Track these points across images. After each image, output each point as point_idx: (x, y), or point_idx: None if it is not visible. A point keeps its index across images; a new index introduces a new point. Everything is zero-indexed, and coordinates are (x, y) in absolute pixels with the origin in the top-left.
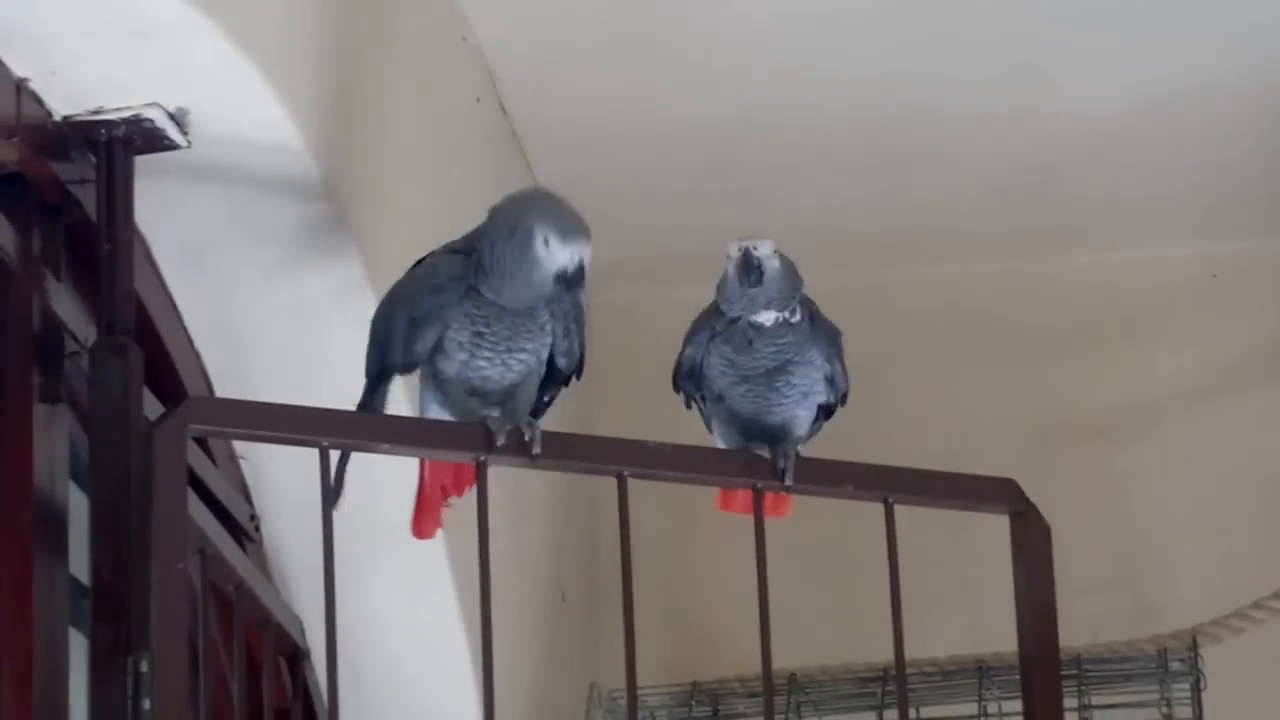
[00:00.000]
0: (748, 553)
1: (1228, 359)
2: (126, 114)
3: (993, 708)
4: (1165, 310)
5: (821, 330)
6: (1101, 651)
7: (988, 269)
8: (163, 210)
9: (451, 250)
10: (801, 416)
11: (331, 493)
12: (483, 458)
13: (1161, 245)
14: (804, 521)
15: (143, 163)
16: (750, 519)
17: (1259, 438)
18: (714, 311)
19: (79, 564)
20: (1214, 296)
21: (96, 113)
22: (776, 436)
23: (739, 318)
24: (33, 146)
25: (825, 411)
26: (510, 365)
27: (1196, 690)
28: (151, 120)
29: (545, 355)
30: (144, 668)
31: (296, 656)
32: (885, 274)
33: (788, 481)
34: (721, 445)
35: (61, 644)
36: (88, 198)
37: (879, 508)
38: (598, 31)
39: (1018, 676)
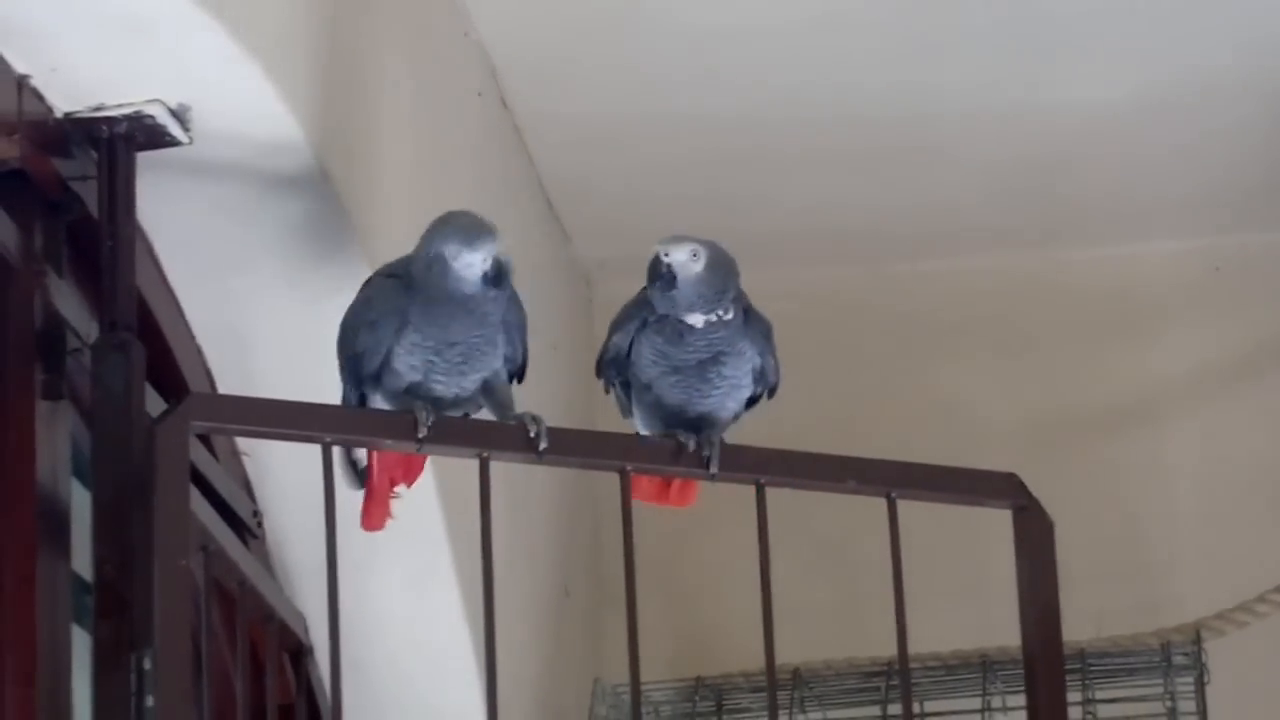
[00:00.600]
0: (751, 548)
1: (1230, 352)
2: (128, 110)
3: (996, 702)
4: (1168, 304)
5: (755, 325)
6: (1105, 645)
7: (990, 264)
8: (164, 206)
9: (390, 273)
10: (729, 407)
11: (333, 489)
12: (485, 454)
13: (1164, 239)
14: (807, 517)
15: (144, 159)
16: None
17: (1262, 431)
18: (645, 301)
19: (82, 560)
20: (1217, 290)
21: (98, 109)
22: (699, 425)
23: (668, 317)
24: (34, 143)
25: (750, 401)
26: (464, 386)
27: (1200, 684)
28: (153, 116)
29: (499, 366)
30: (147, 664)
31: (300, 653)
32: (888, 270)
33: (713, 470)
34: (644, 432)
35: (64, 641)
36: (89, 194)
37: (882, 503)
38: (599, 26)
39: (1021, 671)
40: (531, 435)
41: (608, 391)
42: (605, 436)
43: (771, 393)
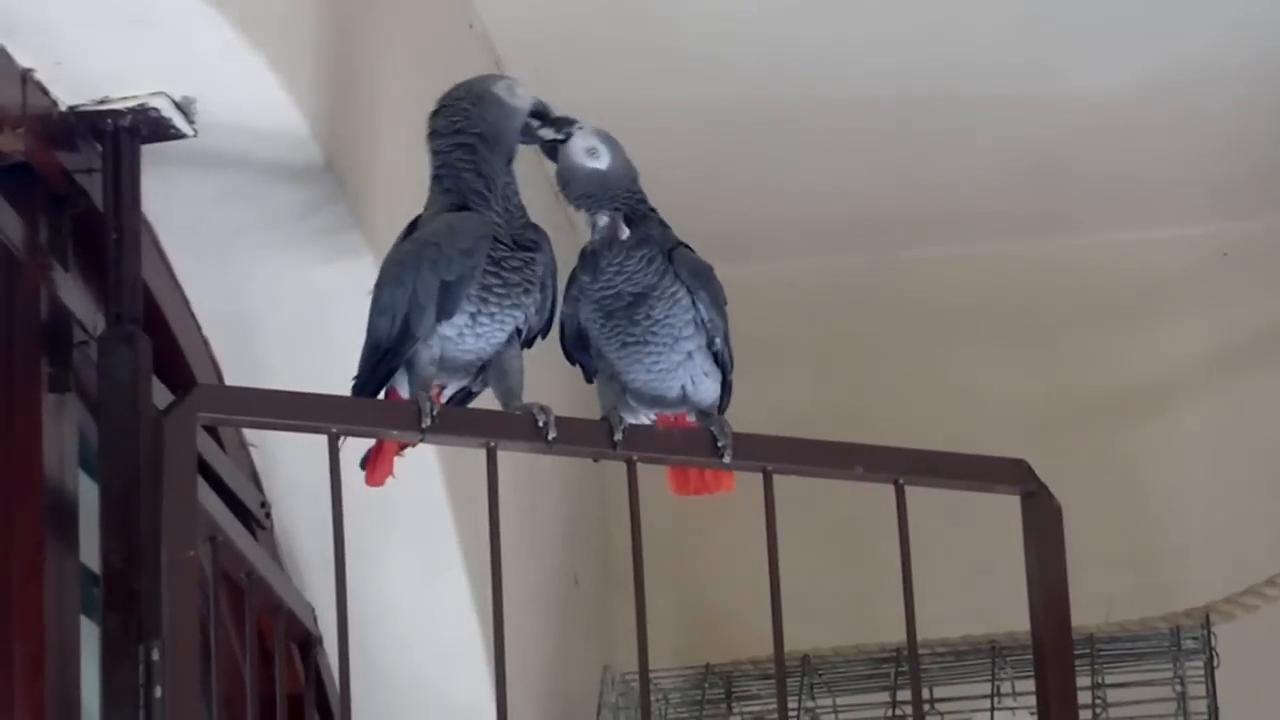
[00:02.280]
0: (759, 535)
1: (1239, 337)
2: (132, 103)
3: (1006, 687)
4: (1176, 289)
5: (683, 265)
6: (1114, 630)
7: (998, 250)
8: (169, 198)
9: (452, 206)
10: (705, 389)
11: (340, 479)
12: (492, 444)
13: (1172, 224)
14: (816, 503)
15: (149, 151)
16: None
17: (1271, 415)
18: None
19: (90, 552)
20: (1225, 274)
21: (102, 102)
22: (671, 403)
23: (589, 250)
24: (39, 136)
25: (726, 388)
26: (504, 324)
27: (1210, 668)
28: (157, 109)
29: (531, 317)
30: (155, 655)
31: (308, 643)
32: (896, 256)
33: (726, 459)
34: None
35: (73, 632)
36: (94, 187)
37: (891, 489)
38: (604, 16)
39: (1030, 656)
40: (540, 425)
41: (589, 380)
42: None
43: (723, 343)
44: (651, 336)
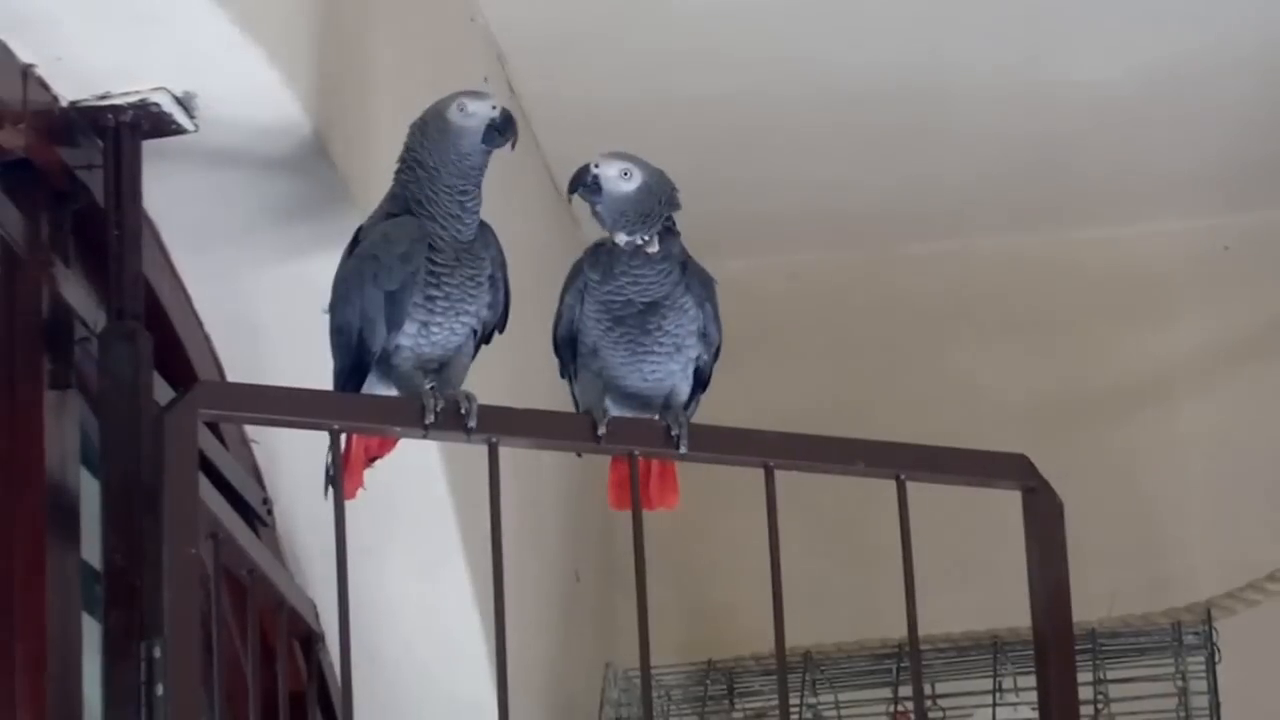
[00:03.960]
0: (761, 530)
1: (1240, 331)
2: (133, 99)
3: (1007, 683)
4: (1177, 283)
5: (694, 277)
6: (1116, 625)
7: (998, 245)
8: (171, 195)
9: (388, 215)
10: (681, 389)
11: (340, 476)
12: (494, 440)
13: (1173, 218)
14: (818, 499)
15: (150, 147)
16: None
17: (1272, 409)
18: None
19: (91, 549)
20: (1226, 268)
21: (103, 98)
22: (654, 405)
23: (604, 250)
24: (40, 132)
25: (701, 384)
26: (456, 330)
27: (1211, 663)
28: (158, 105)
29: (484, 316)
30: (157, 653)
31: (310, 640)
32: (897, 250)
33: (682, 449)
34: (581, 404)
35: (74, 629)
36: (95, 183)
37: (892, 485)
38: (605, 10)
39: (1032, 651)
40: (461, 412)
41: (563, 375)
42: (613, 420)
43: (716, 355)
44: (658, 346)
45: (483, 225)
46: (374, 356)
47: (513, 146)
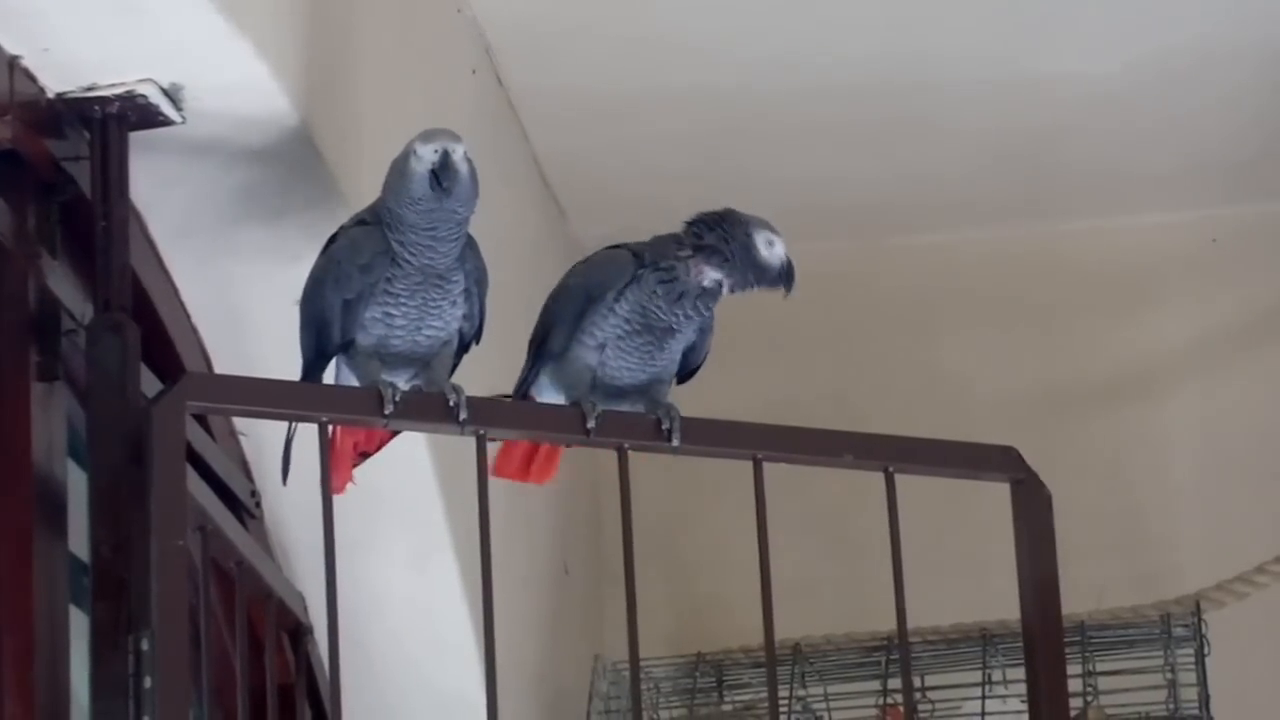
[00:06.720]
0: (750, 523)
1: (1228, 323)
2: (120, 90)
3: (997, 675)
4: (1165, 276)
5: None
6: (1105, 618)
7: (986, 237)
8: (158, 186)
9: (361, 221)
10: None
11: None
12: (482, 432)
13: (1161, 211)
14: (806, 492)
15: (137, 139)
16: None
17: (1260, 401)
18: (630, 256)
19: (79, 542)
20: (1214, 261)
21: (90, 89)
22: (633, 397)
23: (673, 265)
24: (26, 124)
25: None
26: (419, 342)
27: (1200, 655)
28: (145, 96)
29: (460, 328)
30: (145, 645)
31: (299, 632)
32: (885, 243)
33: (675, 442)
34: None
35: (62, 622)
36: (82, 175)
37: (881, 477)
38: (594, 2)
39: (1021, 644)
40: (450, 405)
41: (532, 366)
42: (601, 414)
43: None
44: (662, 358)
45: (468, 240)
46: (328, 359)
47: (449, 194)
